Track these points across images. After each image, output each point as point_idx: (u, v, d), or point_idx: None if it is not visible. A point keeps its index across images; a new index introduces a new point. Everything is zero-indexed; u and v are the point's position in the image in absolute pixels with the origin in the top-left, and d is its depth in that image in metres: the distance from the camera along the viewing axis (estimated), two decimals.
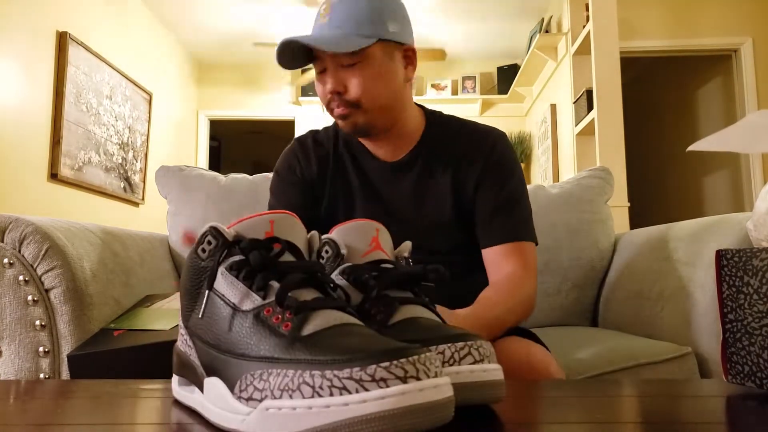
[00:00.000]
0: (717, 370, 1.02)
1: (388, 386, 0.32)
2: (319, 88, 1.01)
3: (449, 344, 0.44)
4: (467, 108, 5.43)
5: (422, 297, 0.53)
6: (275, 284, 0.41)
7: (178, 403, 0.47)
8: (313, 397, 0.33)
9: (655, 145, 5.00)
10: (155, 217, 4.37)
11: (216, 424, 0.39)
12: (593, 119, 3.31)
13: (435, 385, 0.33)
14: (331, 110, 1.01)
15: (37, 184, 3.15)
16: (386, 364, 0.32)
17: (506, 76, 5.30)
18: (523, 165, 5.19)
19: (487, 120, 5.38)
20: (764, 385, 0.50)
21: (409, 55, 1.02)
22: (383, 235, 0.54)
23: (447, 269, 0.53)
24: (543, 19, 4.43)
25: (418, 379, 0.32)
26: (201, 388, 0.43)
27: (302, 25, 4.85)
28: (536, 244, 1.04)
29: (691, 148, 0.56)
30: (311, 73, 4.48)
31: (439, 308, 0.73)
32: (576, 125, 3.64)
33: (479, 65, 5.49)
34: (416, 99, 1.19)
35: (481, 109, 5.48)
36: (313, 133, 1.15)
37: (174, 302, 1.07)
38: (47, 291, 0.96)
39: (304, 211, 1.05)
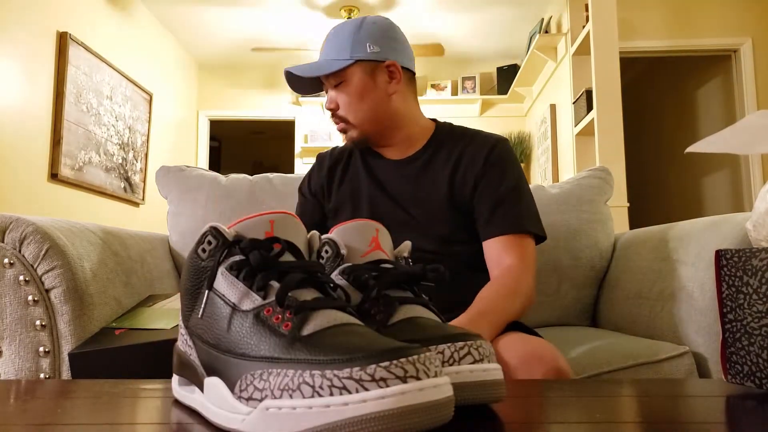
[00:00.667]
0: (716, 370, 1.02)
1: (388, 386, 0.32)
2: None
3: (449, 344, 0.44)
4: (467, 108, 5.43)
5: (422, 297, 0.53)
6: (275, 284, 0.41)
7: (178, 403, 0.48)
8: (313, 396, 0.33)
9: (655, 146, 5.00)
10: (155, 217, 4.37)
11: (216, 424, 0.39)
12: (593, 119, 3.32)
13: (435, 385, 0.33)
14: (335, 125, 1.17)
15: (38, 184, 3.15)
16: (386, 363, 0.32)
17: (506, 77, 5.30)
18: (522, 165, 5.18)
19: (486, 120, 5.39)
20: (763, 385, 0.50)
21: (392, 70, 1.13)
22: (383, 235, 0.55)
23: (447, 264, 0.53)
24: (543, 20, 4.43)
25: (418, 378, 0.32)
26: (201, 388, 0.43)
27: (301, 30, 4.86)
28: (544, 238, 1.09)
29: (690, 149, 0.56)
30: None
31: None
32: (576, 125, 3.64)
33: (479, 65, 5.49)
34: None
35: (481, 109, 5.48)
36: (335, 148, 1.30)
37: (176, 302, 1.07)
38: (47, 291, 0.96)
39: (317, 227, 1.20)
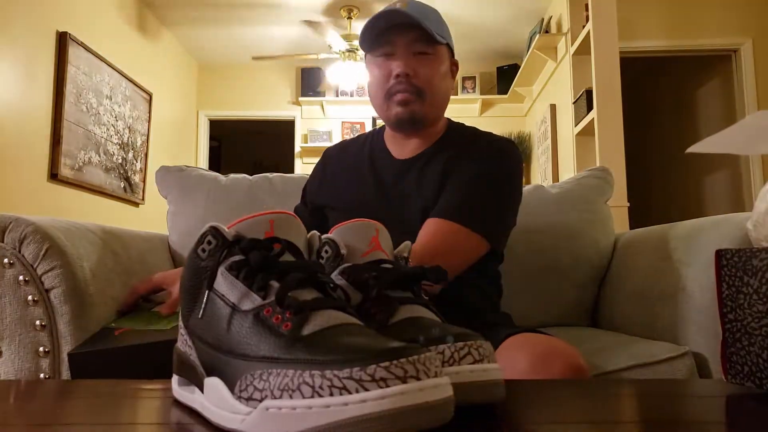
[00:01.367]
0: (716, 370, 1.02)
1: (387, 386, 0.32)
2: (380, 71, 1.07)
3: (449, 344, 0.44)
4: (467, 108, 5.43)
5: (422, 297, 0.53)
6: (275, 284, 0.41)
7: (178, 403, 0.47)
8: (313, 397, 0.33)
9: (655, 145, 5.00)
10: (155, 217, 4.37)
11: (216, 424, 0.39)
12: (593, 119, 3.31)
13: (435, 385, 0.33)
14: (391, 95, 1.06)
15: (38, 184, 3.15)
16: (386, 364, 0.32)
17: (506, 76, 5.30)
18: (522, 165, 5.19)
19: (486, 120, 5.39)
20: (763, 385, 0.50)
21: (453, 69, 1.14)
22: (383, 235, 0.55)
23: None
24: (543, 19, 4.43)
25: (417, 379, 0.32)
26: (201, 388, 0.43)
27: (301, 37, 4.88)
28: (491, 245, 1.02)
29: (690, 149, 0.56)
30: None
31: None
32: (576, 125, 3.64)
33: (479, 65, 5.49)
34: None
35: (481, 109, 5.48)
36: (343, 141, 1.28)
37: None
38: (47, 291, 0.96)
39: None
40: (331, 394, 0.32)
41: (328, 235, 0.53)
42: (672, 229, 1.23)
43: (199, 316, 0.43)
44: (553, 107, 4.38)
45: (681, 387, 0.61)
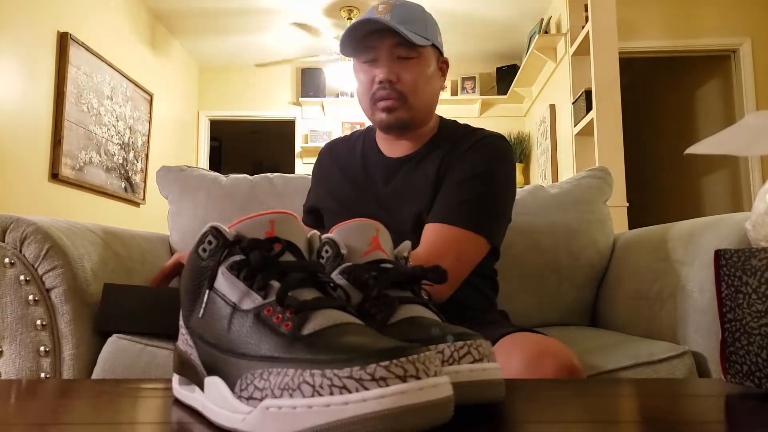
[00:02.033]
0: (715, 370, 1.02)
1: (387, 385, 0.32)
2: (364, 77, 1.07)
3: (449, 343, 0.44)
4: (466, 108, 5.43)
5: (422, 296, 0.53)
6: (275, 284, 0.41)
7: (178, 403, 0.48)
8: (313, 396, 0.33)
9: (654, 146, 5.00)
10: (156, 217, 4.37)
11: (216, 424, 0.39)
12: (592, 119, 3.31)
13: (434, 385, 0.33)
14: (376, 100, 1.05)
15: (38, 184, 3.15)
16: (386, 363, 0.32)
17: (505, 77, 5.30)
18: (522, 165, 5.19)
19: (486, 120, 5.38)
20: (763, 385, 0.50)
21: (443, 67, 1.12)
22: (383, 235, 0.55)
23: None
24: (542, 20, 4.43)
25: (417, 378, 0.33)
26: (201, 388, 0.43)
27: (302, 38, 4.89)
28: (491, 244, 1.02)
29: (689, 150, 0.56)
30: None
31: None
32: (575, 125, 3.64)
33: (479, 65, 5.49)
34: None
35: (481, 109, 5.48)
36: (337, 139, 1.28)
37: None
38: (48, 291, 0.97)
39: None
40: (332, 394, 0.32)
41: (329, 235, 0.53)
42: (671, 229, 1.23)
43: (200, 315, 0.44)
44: (552, 107, 4.38)
45: (680, 386, 0.61)
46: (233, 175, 1.58)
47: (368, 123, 1.22)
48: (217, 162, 6.93)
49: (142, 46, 4.42)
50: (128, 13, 4.20)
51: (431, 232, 1.00)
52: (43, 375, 0.96)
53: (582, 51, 3.53)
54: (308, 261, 0.45)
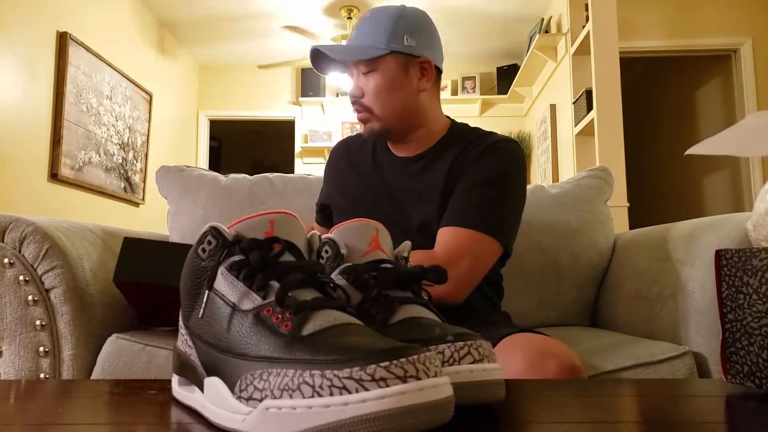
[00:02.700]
0: (716, 370, 1.02)
1: (387, 386, 0.32)
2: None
3: (449, 344, 0.44)
4: (467, 108, 5.43)
5: (422, 297, 0.53)
6: (275, 284, 0.41)
7: (178, 403, 0.47)
8: (313, 396, 0.33)
9: (655, 146, 5.00)
10: (155, 217, 4.37)
11: (216, 424, 0.39)
12: (593, 119, 3.31)
13: (435, 385, 0.33)
14: (356, 113, 1.12)
15: (38, 184, 3.15)
16: (386, 363, 0.32)
17: (506, 76, 5.30)
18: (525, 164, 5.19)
19: (486, 120, 5.39)
20: (763, 385, 0.50)
21: (424, 67, 1.09)
22: (383, 235, 0.55)
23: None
24: (543, 20, 4.43)
25: (417, 378, 0.32)
26: (201, 388, 0.43)
27: (301, 45, 4.90)
28: (505, 248, 1.03)
29: (689, 151, 0.56)
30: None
31: None
32: (575, 125, 3.64)
33: (479, 65, 5.49)
34: None
35: (481, 109, 5.48)
36: (350, 137, 1.28)
37: None
38: (47, 291, 0.96)
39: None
40: (331, 394, 0.32)
41: (328, 235, 0.53)
42: (672, 229, 1.23)
43: (200, 315, 0.43)
44: (552, 107, 4.38)
45: (681, 387, 0.61)
46: (233, 175, 1.58)
47: None
48: (217, 162, 6.94)
49: (141, 45, 4.42)
50: (129, 13, 4.20)
51: (447, 234, 1.00)
52: (42, 375, 0.95)
53: (582, 51, 3.53)
54: (308, 261, 0.45)
